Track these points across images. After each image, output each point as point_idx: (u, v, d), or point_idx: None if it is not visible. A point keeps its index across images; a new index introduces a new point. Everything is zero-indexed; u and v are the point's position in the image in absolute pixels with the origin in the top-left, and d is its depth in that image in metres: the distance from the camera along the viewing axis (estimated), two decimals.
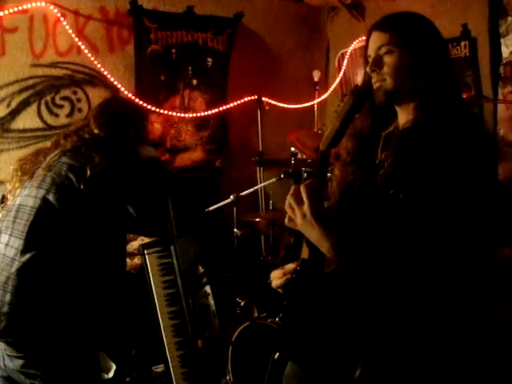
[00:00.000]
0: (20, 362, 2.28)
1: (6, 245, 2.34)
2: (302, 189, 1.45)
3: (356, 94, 1.56)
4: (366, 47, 1.70)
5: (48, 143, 2.62)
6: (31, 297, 2.26)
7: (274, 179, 3.90)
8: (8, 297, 2.23)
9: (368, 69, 1.63)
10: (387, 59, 1.59)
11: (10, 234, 2.35)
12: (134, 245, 3.85)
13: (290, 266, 1.66)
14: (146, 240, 3.91)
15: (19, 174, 2.50)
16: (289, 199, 1.49)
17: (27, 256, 2.27)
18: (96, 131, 2.52)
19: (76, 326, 2.39)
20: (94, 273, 2.44)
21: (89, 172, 2.34)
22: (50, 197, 2.33)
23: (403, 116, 1.64)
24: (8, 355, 2.29)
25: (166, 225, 2.65)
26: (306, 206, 1.43)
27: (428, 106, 1.53)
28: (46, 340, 2.30)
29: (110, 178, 2.40)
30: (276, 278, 1.67)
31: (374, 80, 1.62)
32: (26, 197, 2.40)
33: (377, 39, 1.64)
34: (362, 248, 1.43)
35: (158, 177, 2.68)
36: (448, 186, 1.42)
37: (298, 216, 1.46)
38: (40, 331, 2.28)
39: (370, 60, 1.63)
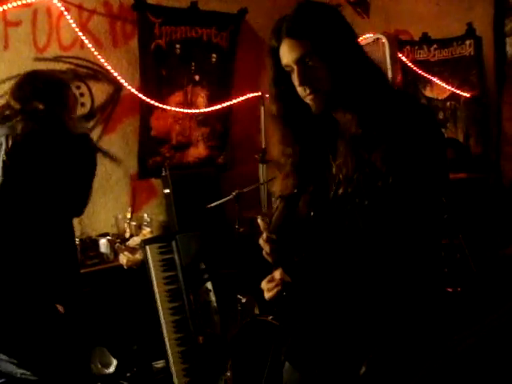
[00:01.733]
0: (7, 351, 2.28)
1: None
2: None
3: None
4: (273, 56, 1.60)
5: None
6: None
7: (276, 176, 3.89)
8: None
9: (297, 82, 1.53)
10: (315, 68, 1.51)
11: None
12: (135, 240, 3.85)
13: (278, 275, 1.66)
14: (148, 235, 3.91)
15: None
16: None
17: None
18: (17, 106, 2.43)
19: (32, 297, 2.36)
20: (34, 250, 2.39)
21: (10, 141, 2.30)
22: None
23: (343, 122, 1.57)
24: None
25: (86, 204, 2.57)
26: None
27: (361, 104, 1.50)
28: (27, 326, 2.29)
29: (34, 145, 2.34)
30: (267, 290, 1.66)
31: (305, 93, 1.54)
32: None
33: (296, 48, 1.52)
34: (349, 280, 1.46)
35: (85, 154, 2.56)
36: (409, 177, 1.43)
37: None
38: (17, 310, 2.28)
39: (296, 72, 1.53)
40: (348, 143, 1.51)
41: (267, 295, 1.63)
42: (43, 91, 2.49)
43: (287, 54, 1.54)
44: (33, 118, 2.39)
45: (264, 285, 1.65)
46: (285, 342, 1.68)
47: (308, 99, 1.55)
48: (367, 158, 1.45)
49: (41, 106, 2.43)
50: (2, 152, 2.29)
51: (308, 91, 1.53)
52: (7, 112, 2.43)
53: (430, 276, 1.49)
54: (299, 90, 1.55)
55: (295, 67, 1.53)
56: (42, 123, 2.39)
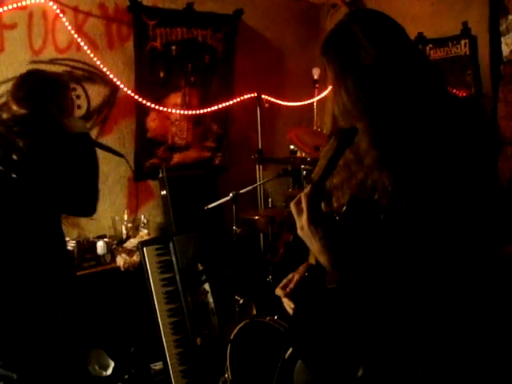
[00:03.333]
0: None
1: None
2: (303, 198, 1.42)
3: (340, 137, 1.50)
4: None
5: None
6: None
7: (273, 177, 3.90)
8: None
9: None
10: None
11: None
12: (132, 242, 3.85)
13: (296, 277, 1.65)
14: (145, 237, 3.91)
15: None
16: (291, 207, 1.47)
17: None
18: (15, 108, 2.40)
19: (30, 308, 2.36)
20: (34, 256, 2.38)
21: (15, 157, 2.28)
22: None
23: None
24: None
25: (96, 201, 2.56)
26: (304, 218, 1.41)
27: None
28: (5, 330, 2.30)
29: (38, 157, 2.32)
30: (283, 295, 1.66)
31: None
32: None
33: None
34: (360, 267, 1.42)
35: (87, 152, 2.53)
36: (452, 193, 1.40)
37: (298, 227, 1.44)
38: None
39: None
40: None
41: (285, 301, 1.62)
42: (41, 91, 2.47)
43: None
44: (30, 123, 2.38)
45: (278, 292, 1.65)
46: (295, 342, 1.68)
47: None
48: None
49: (40, 108, 2.43)
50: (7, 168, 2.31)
51: None
52: (5, 115, 2.41)
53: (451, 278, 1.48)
54: None
55: None
56: (41, 130, 2.38)
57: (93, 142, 2.64)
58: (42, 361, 2.36)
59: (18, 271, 2.33)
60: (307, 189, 1.42)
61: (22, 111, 2.38)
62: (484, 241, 1.48)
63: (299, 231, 1.43)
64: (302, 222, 1.40)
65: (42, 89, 2.48)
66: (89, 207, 2.53)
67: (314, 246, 1.41)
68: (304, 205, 1.40)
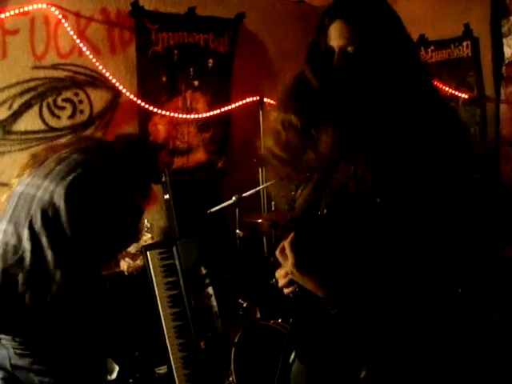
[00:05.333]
0: (28, 359, 2.28)
1: (5, 231, 2.33)
2: (287, 246, 1.45)
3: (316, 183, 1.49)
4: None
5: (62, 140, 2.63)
6: (35, 288, 2.25)
7: (275, 180, 3.90)
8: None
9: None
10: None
11: (9, 221, 2.34)
12: (136, 246, 3.85)
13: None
14: (149, 241, 3.92)
15: (30, 163, 2.49)
16: (278, 256, 1.50)
17: (29, 244, 2.25)
18: (121, 147, 2.55)
19: (79, 320, 2.38)
20: (91, 267, 2.44)
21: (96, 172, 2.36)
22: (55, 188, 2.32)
23: None
24: (17, 353, 2.29)
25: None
26: (290, 264, 1.44)
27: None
28: (52, 336, 2.30)
29: (109, 184, 2.40)
30: (281, 276, 1.65)
31: None
32: (28, 186, 2.38)
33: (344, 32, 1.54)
34: (358, 290, 1.43)
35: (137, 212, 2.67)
36: (434, 187, 1.40)
37: (288, 272, 1.48)
38: (46, 327, 2.28)
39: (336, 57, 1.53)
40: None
41: (281, 282, 1.60)
42: (146, 160, 2.66)
43: (336, 37, 1.55)
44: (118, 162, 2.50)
45: (278, 273, 1.64)
46: (296, 343, 1.67)
47: None
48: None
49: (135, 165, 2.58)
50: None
51: None
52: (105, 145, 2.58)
53: (443, 278, 1.48)
54: None
55: (337, 51, 1.54)
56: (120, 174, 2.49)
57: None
58: (66, 363, 2.38)
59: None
60: (289, 237, 1.45)
61: (122, 153, 2.54)
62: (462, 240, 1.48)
63: (290, 275, 1.48)
64: (290, 268, 1.45)
65: (148, 159, 2.69)
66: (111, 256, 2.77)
67: (307, 285, 1.46)
68: (288, 252, 1.44)
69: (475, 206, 1.47)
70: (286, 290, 1.62)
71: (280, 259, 1.49)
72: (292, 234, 1.45)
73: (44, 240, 2.26)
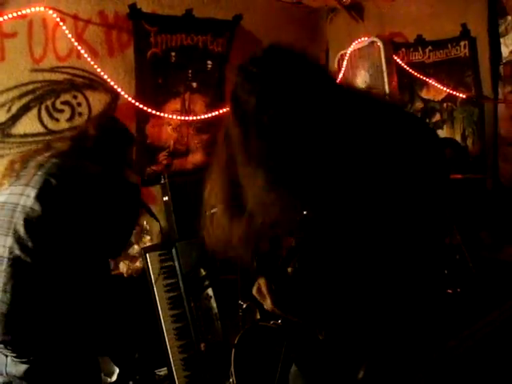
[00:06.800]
0: (24, 367, 2.28)
1: None
2: (262, 286, 1.49)
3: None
4: None
5: (40, 145, 2.64)
6: (23, 295, 2.23)
7: None
8: (1, 295, 2.23)
9: None
10: None
11: None
12: (135, 248, 3.85)
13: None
14: (148, 243, 3.92)
15: (8, 172, 2.49)
16: (255, 295, 1.54)
17: (16, 253, 2.24)
18: (92, 132, 2.55)
19: (73, 327, 2.37)
20: (80, 271, 2.41)
21: (78, 177, 2.37)
22: (36, 194, 2.31)
23: None
24: (13, 361, 2.29)
25: (124, 249, 2.69)
26: (268, 303, 1.49)
27: None
28: (46, 344, 2.29)
29: (97, 186, 2.40)
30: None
31: None
32: (10, 195, 2.38)
33: None
34: (343, 314, 1.44)
35: (135, 204, 2.67)
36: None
37: (267, 309, 1.52)
38: (38, 334, 2.27)
39: None
40: None
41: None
42: (122, 136, 2.72)
43: None
44: (101, 152, 2.52)
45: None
46: (293, 347, 1.68)
47: None
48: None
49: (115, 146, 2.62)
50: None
51: None
52: (80, 137, 2.57)
53: (430, 278, 1.49)
54: None
55: None
56: (108, 163, 2.51)
57: (140, 195, 2.73)
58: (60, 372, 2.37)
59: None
60: (263, 280, 1.50)
61: (98, 136, 2.57)
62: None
63: (271, 311, 1.52)
64: (269, 306, 1.50)
65: (122, 133, 2.74)
66: (116, 252, 2.68)
67: (290, 318, 1.47)
68: (265, 292, 1.48)
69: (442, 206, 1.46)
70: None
71: (258, 298, 1.52)
72: (264, 279, 1.48)
73: (30, 245, 2.26)
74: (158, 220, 3.03)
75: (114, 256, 2.74)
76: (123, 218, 2.53)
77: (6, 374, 2.32)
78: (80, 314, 2.41)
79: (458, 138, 4.50)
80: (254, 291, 1.52)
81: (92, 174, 2.41)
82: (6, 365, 2.31)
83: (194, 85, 4.45)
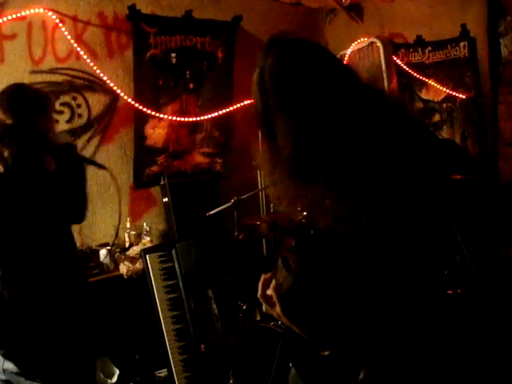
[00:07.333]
0: (17, 363, 2.28)
1: None
2: (273, 293, 1.44)
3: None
4: None
5: None
6: None
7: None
8: None
9: None
10: None
11: None
12: (135, 249, 3.85)
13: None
14: (148, 245, 3.92)
15: None
16: (261, 301, 1.50)
17: None
18: (1, 116, 2.46)
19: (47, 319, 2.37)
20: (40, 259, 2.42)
21: (2, 169, 2.32)
22: None
23: None
24: (6, 358, 2.30)
25: (85, 209, 2.60)
26: (278, 310, 1.44)
27: None
28: (33, 338, 2.30)
29: (25, 166, 2.36)
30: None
31: None
32: None
33: None
34: (347, 328, 1.44)
35: (73, 161, 2.59)
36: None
37: (275, 315, 1.47)
38: (10, 328, 2.28)
39: None
40: None
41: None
42: (28, 104, 2.52)
43: None
44: (17, 133, 2.43)
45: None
46: (291, 348, 1.68)
47: None
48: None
49: (28, 120, 2.48)
50: None
51: None
52: None
53: (430, 278, 1.49)
54: None
55: None
56: (26, 139, 2.42)
57: (75, 152, 2.68)
58: (55, 366, 2.37)
59: (24, 273, 2.35)
60: (272, 284, 1.45)
61: (9, 121, 2.43)
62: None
63: (278, 318, 1.48)
64: (277, 313, 1.45)
65: (30, 102, 2.53)
66: (78, 214, 2.60)
67: (295, 329, 1.46)
68: (275, 299, 1.44)
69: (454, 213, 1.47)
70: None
71: (265, 304, 1.50)
72: (274, 283, 1.47)
73: None
74: (104, 168, 2.93)
75: (75, 220, 2.66)
76: (63, 181, 2.48)
77: (3, 370, 2.32)
78: (45, 289, 2.39)
79: (457, 138, 4.51)
80: (260, 297, 1.51)
81: (13, 158, 2.35)
82: (3, 362, 2.32)
83: (192, 86, 4.44)
